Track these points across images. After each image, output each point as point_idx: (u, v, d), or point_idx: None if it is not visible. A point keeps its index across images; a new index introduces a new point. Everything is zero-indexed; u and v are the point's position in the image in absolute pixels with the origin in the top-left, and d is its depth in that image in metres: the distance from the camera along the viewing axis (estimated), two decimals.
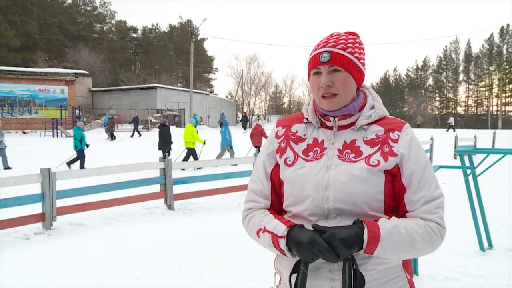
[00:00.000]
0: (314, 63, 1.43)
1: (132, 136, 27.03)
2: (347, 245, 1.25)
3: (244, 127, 34.22)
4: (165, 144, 14.12)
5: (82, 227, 6.71)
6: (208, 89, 58.82)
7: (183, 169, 12.35)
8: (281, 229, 1.36)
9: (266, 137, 14.96)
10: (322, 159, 1.42)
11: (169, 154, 14.08)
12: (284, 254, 1.37)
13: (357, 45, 1.45)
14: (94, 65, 47.75)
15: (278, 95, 66.43)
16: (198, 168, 12.79)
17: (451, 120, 36.25)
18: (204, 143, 14.56)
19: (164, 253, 5.38)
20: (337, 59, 1.40)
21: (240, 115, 49.31)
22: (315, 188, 1.38)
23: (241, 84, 57.26)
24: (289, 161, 1.47)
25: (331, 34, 1.49)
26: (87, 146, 13.80)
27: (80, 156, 13.45)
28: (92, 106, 41.75)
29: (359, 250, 1.28)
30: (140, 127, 34.85)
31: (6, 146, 13.92)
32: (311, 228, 1.32)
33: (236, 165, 13.13)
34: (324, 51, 1.42)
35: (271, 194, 1.51)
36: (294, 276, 1.35)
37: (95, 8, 61.33)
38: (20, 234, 6.17)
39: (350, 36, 1.47)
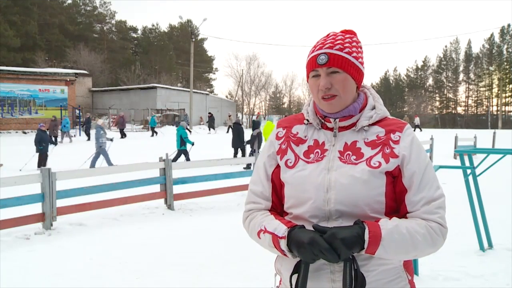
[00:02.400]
0: (312, 66, 1.42)
1: (89, 139, 24.22)
2: (348, 245, 1.25)
3: (210, 128, 32.13)
4: (239, 142, 14.75)
5: (82, 227, 6.71)
6: (208, 89, 58.82)
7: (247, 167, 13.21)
8: (281, 229, 1.35)
9: None
10: (323, 161, 1.41)
11: (243, 152, 14.87)
12: (285, 255, 1.36)
13: (354, 44, 1.44)
14: (94, 65, 47.76)
15: (278, 95, 66.45)
16: (247, 166, 13.32)
17: (417, 120, 36.76)
18: None
19: (164, 253, 5.38)
20: (335, 61, 1.39)
21: (239, 115, 49.21)
22: (316, 190, 1.37)
23: (241, 84, 57.27)
24: (290, 163, 1.46)
25: (328, 35, 1.47)
26: (193, 144, 14.45)
27: (184, 153, 14.10)
28: (92, 106, 41.75)
29: (360, 251, 1.28)
30: (140, 127, 34.81)
31: (111, 140, 14.17)
32: (312, 229, 1.32)
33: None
34: (321, 53, 1.40)
35: (272, 196, 1.51)
36: (295, 276, 1.35)
37: (95, 8, 61.33)
38: (20, 234, 6.17)
39: (347, 36, 1.45)
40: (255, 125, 15.10)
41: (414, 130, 32.79)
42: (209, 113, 33.70)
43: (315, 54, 1.42)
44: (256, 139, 14.41)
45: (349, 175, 1.36)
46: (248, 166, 13.39)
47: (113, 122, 34.39)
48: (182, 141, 14.08)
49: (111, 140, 14.24)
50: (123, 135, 26.38)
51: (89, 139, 24.24)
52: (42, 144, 13.93)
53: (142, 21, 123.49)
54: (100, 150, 13.73)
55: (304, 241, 1.27)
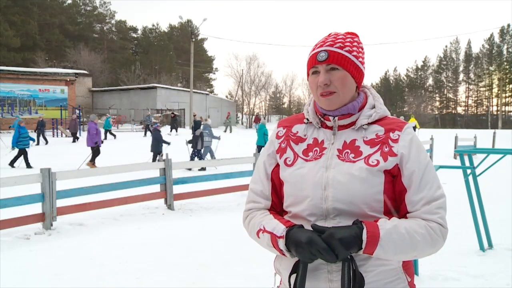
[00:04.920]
0: (312, 63, 1.43)
1: (37, 144, 21.54)
2: (346, 245, 1.24)
3: (172, 129, 29.68)
4: None
5: (82, 227, 6.71)
6: (208, 89, 58.81)
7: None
8: (280, 229, 1.35)
9: None
10: (321, 159, 1.41)
11: None
12: (283, 254, 1.36)
13: (355, 44, 1.45)
14: (94, 65, 47.76)
15: (278, 95, 66.43)
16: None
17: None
18: None
19: (164, 253, 5.38)
20: (335, 58, 1.40)
21: (238, 114, 49.18)
22: (313, 188, 1.37)
23: (241, 84, 57.26)
24: (289, 161, 1.46)
25: (329, 34, 1.49)
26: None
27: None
28: (92, 106, 41.74)
29: (358, 251, 1.28)
30: (140, 127, 34.74)
31: (218, 138, 14.67)
32: (311, 228, 1.31)
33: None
34: (321, 50, 1.42)
35: (271, 195, 1.51)
36: (293, 276, 1.35)
37: (95, 8, 61.36)
38: (20, 234, 6.17)
39: (348, 36, 1.47)
40: (196, 125, 14.80)
41: None
42: (172, 113, 31.54)
43: (315, 51, 1.44)
44: (199, 139, 14.14)
45: (347, 172, 1.36)
46: (203, 168, 13.12)
47: (113, 122, 34.37)
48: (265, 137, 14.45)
49: (219, 138, 14.79)
50: (75, 138, 23.78)
51: (38, 143, 21.64)
52: (160, 144, 14.16)
53: (142, 21, 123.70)
54: (209, 149, 14.24)
55: (302, 240, 1.27)
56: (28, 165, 13.62)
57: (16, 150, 13.97)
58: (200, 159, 13.87)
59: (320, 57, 1.41)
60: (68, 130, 27.42)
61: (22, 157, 13.79)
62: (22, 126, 14.12)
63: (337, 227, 1.29)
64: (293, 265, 1.35)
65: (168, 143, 14.65)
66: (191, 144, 14.33)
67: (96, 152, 13.83)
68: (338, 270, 1.32)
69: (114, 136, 25.64)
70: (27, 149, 13.94)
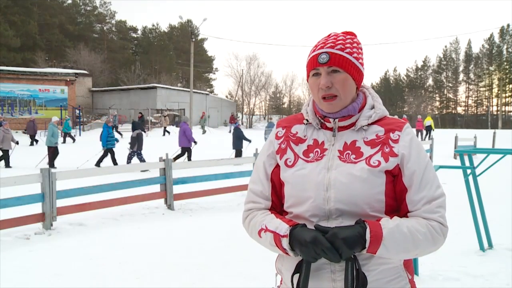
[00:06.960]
0: (313, 65, 1.43)
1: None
2: (350, 245, 1.25)
3: (143, 130, 28.71)
4: None
5: (82, 227, 6.71)
6: (208, 89, 58.80)
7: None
8: (283, 228, 1.36)
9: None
10: (322, 160, 1.42)
11: None
12: (287, 254, 1.37)
13: (355, 45, 1.45)
14: (94, 65, 47.73)
15: (278, 95, 66.44)
16: None
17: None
18: None
19: (164, 253, 5.38)
20: (336, 60, 1.40)
21: (238, 115, 49.11)
22: (316, 189, 1.38)
23: (241, 84, 57.28)
24: (290, 162, 1.47)
25: (329, 35, 1.49)
26: None
27: None
28: (92, 106, 41.74)
29: (361, 250, 1.29)
30: None
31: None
32: (313, 229, 1.32)
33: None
34: (322, 52, 1.41)
35: (271, 195, 1.51)
36: (296, 276, 1.35)
37: (95, 8, 61.33)
38: (20, 234, 6.17)
39: (348, 36, 1.46)
40: (135, 126, 14.12)
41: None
42: (140, 113, 30.16)
43: (316, 53, 1.43)
44: (136, 141, 13.66)
45: (349, 173, 1.36)
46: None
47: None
48: None
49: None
50: (33, 141, 21.93)
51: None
52: (243, 140, 14.51)
53: (142, 21, 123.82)
54: None
55: (307, 240, 1.28)
56: (115, 162, 13.66)
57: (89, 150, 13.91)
58: (140, 160, 13.43)
59: (321, 59, 1.40)
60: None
61: (109, 156, 13.74)
62: (110, 126, 14.26)
63: (340, 227, 1.30)
64: (296, 264, 1.36)
65: (249, 141, 14.68)
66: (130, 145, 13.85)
67: (189, 151, 14.03)
68: (341, 270, 1.33)
69: (74, 139, 23.93)
70: (113, 148, 13.98)
